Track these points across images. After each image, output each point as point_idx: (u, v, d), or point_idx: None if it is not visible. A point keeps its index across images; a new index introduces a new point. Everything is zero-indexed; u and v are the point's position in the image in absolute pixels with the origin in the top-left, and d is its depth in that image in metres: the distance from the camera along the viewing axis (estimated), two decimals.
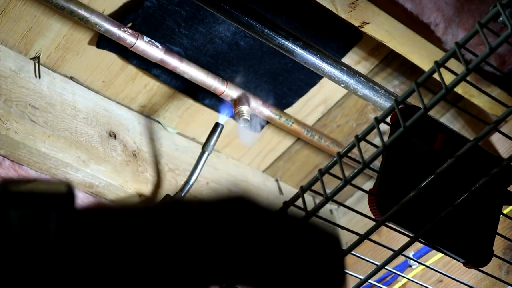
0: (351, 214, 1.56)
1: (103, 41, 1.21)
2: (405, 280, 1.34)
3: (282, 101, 1.38)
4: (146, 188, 1.23)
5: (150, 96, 1.32)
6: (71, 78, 1.26)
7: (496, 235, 0.86)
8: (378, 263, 0.82)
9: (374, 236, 1.15)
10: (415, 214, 0.79)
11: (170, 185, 1.27)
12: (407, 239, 0.81)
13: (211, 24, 1.23)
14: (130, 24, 1.19)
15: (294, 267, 0.55)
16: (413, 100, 1.16)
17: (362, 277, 0.84)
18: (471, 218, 0.83)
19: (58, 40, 1.20)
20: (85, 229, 0.55)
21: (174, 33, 1.22)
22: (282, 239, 0.55)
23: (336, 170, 0.79)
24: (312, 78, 1.37)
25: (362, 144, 0.77)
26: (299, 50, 1.12)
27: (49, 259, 0.53)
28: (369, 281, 0.84)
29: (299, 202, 0.80)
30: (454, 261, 0.86)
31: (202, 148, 1.24)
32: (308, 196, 1.49)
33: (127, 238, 0.56)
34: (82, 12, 1.10)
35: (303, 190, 0.80)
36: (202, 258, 0.55)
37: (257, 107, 1.30)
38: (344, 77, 1.17)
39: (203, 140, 1.40)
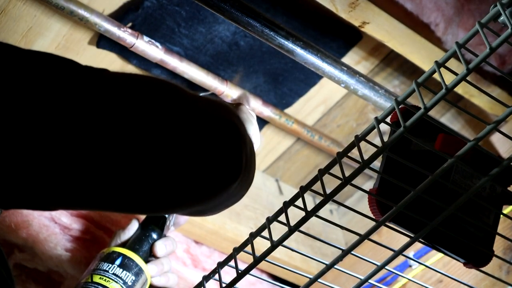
0: (351, 214, 1.56)
1: (103, 41, 1.21)
2: (405, 280, 1.34)
3: (282, 101, 1.38)
4: None
5: None
6: None
7: (496, 235, 0.86)
8: (378, 263, 0.82)
9: (374, 236, 1.15)
10: (415, 214, 0.79)
11: None
12: (407, 239, 0.81)
13: (211, 24, 1.23)
14: (130, 24, 1.19)
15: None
16: (413, 100, 1.17)
17: (362, 277, 0.84)
18: (471, 218, 0.83)
19: (58, 40, 1.20)
20: None
21: (174, 33, 1.22)
22: None
23: (336, 170, 0.79)
24: (312, 78, 1.37)
25: (362, 144, 0.77)
26: (299, 50, 1.12)
27: None
28: (369, 281, 0.84)
29: (299, 202, 0.80)
30: (454, 261, 0.86)
31: None
32: (308, 196, 1.50)
33: None
34: (82, 12, 1.10)
35: (303, 190, 0.80)
36: None
37: (257, 107, 1.30)
38: (344, 77, 1.17)
39: None
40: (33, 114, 0.59)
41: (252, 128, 0.93)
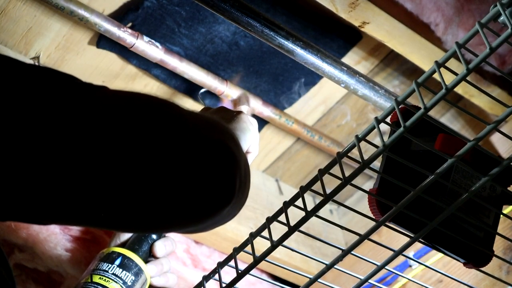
0: (351, 214, 1.56)
1: (103, 41, 1.21)
2: (405, 280, 1.34)
3: (282, 101, 1.38)
4: None
5: None
6: None
7: (496, 235, 0.86)
8: (378, 263, 0.82)
9: (374, 236, 1.15)
10: (415, 214, 0.79)
11: None
12: (407, 239, 0.81)
13: (211, 24, 1.23)
14: (130, 24, 1.19)
15: None
16: (413, 100, 1.17)
17: (362, 277, 0.84)
18: (471, 218, 0.83)
19: (58, 40, 1.20)
20: None
21: (174, 33, 1.22)
22: None
23: (336, 170, 0.79)
24: (312, 78, 1.37)
25: (362, 144, 0.77)
26: (299, 50, 1.12)
27: None
28: (369, 281, 0.84)
29: (299, 202, 0.80)
30: (454, 261, 0.86)
31: None
32: (308, 196, 1.50)
33: None
34: (82, 12, 1.10)
35: (303, 190, 0.80)
36: None
37: (257, 107, 1.30)
38: (344, 77, 1.16)
39: None
40: (30, 130, 0.60)
41: (251, 137, 0.92)
